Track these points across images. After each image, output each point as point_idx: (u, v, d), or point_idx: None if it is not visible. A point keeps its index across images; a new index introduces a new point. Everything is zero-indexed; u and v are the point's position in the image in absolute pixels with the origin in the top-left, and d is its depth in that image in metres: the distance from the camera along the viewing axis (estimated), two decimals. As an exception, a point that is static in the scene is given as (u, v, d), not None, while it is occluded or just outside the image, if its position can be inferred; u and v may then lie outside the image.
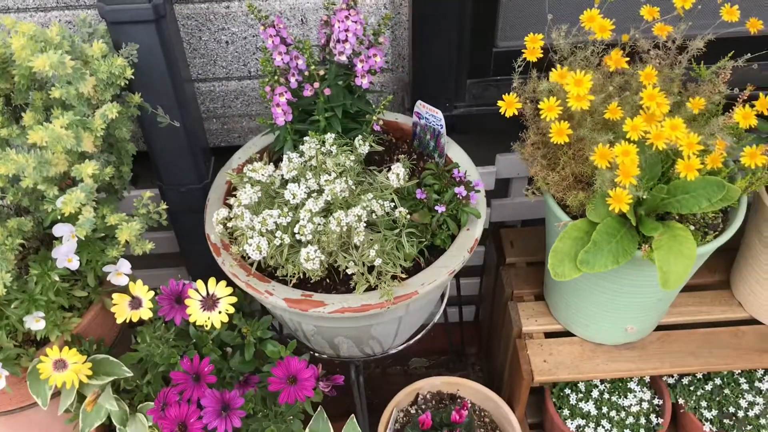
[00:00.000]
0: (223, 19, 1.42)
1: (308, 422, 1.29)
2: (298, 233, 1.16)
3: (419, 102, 1.38)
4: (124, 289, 1.27)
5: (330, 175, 1.21)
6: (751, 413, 1.60)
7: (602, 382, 1.66)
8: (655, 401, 1.65)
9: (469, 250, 1.25)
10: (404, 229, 1.23)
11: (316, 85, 1.27)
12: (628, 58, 1.20)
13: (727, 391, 1.63)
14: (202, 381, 1.19)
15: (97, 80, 1.12)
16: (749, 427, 1.60)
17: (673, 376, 1.68)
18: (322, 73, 1.27)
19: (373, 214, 1.21)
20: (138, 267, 1.32)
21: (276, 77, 1.25)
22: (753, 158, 1.12)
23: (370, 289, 1.20)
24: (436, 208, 1.25)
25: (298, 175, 1.25)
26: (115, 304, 1.24)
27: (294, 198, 1.19)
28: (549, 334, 1.60)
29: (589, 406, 1.62)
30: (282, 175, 1.26)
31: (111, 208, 1.22)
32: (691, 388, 1.66)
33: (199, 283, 1.23)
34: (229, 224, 1.23)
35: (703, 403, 1.64)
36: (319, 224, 1.17)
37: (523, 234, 1.80)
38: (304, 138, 1.29)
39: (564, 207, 1.32)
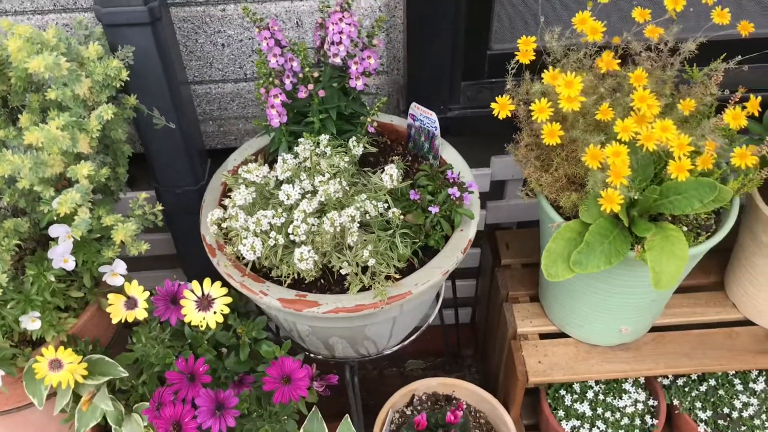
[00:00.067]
0: (219, 22, 1.43)
1: (303, 422, 1.30)
2: (292, 234, 1.17)
3: (414, 104, 1.39)
4: (120, 290, 1.28)
5: (324, 176, 1.22)
6: (745, 414, 1.61)
7: (597, 383, 1.66)
8: (650, 402, 1.66)
9: (462, 251, 1.26)
10: (398, 230, 1.24)
11: (311, 86, 1.28)
12: (619, 60, 1.21)
13: (721, 392, 1.64)
14: (196, 381, 1.20)
15: (92, 82, 1.13)
16: (743, 428, 1.60)
17: (668, 377, 1.69)
18: (316, 75, 1.28)
19: (367, 215, 1.21)
20: (135, 269, 1.33)
21: (271, 79, 1.26)
22: (743, 159, 1.13)
23: (364, 289, 1.21)
24: (430, 209, 1.25)
25: (293, 176, 1.26)
26: (110, 305, 1.25)
27: (288, 199, 1.20)
28: (544, 336, 1.61)
29: (584, 407, 1.63)
30: (276, 177, 1.27)
31: (107, 209, 1.22)
32: (686, 389, 1.67)
33: (195, 284, 1.24)
34: (224, 225, 1.23)
35: (698, 404, 1.64)
36: (313, 225, 1.18)
37: (519, 236, 1.80)
38: (299, 139, 1.30)
39: (557, 208, 1.33)
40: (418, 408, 1.63)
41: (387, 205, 1.25)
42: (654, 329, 1.60)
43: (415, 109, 1.39)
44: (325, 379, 1.24)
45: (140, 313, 1.24)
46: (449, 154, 1.43)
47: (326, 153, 1.27)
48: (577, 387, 1.66)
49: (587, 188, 1.21)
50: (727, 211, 1.33)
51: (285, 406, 1.23)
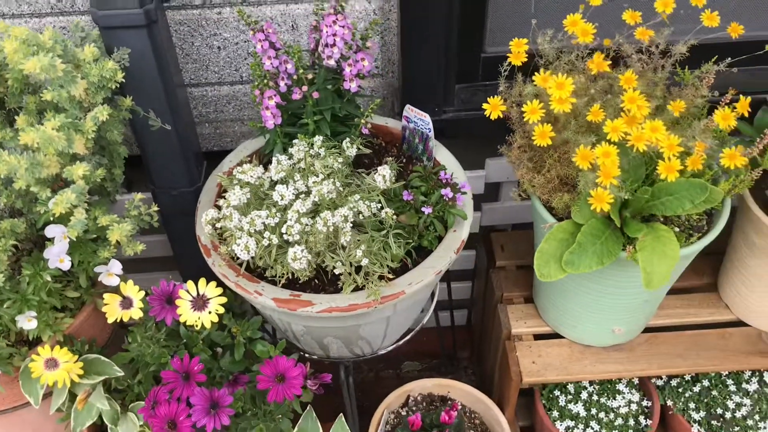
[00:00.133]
0: (215, 25, 1.44)
1: (298, 422, 1.31)
2: (286, 233, 1.18)
3: (408, 106, 1.40)
4: (116, 290, 1.29)
5: (318, 176, 1.23)
6: (738, 414, 1.61)
7: (591, 383, 1.67)
8: (644, 403, 1.66)
9: (455, 251, 1.27)
10: (391, 231, 1.25)
11: (305, 88, 1.29)
12: (610, 62, 1.22)
13: (714, 392, 1.65)
14: (191, 380, 1.21)
15: (88, 83, 1.14)
16: (737, 428, 1.61)
17: (661, 378, 1.70)
18: (310, 76, 1.29)
19: (360, 215, 1.22)
20: (131, 271, 1.34)
21: (265, 81, 1.28)
22: (732, 159, 1.14)
23: (357, 289, 1.22)
24: (423, 209, 1.26)
25: (287, 176, 1.27)
26: (106, 304, 1.26)
27: (282, 199, 1.21)
28: (538, 336, 1.62)
29: (578, 408, 1.64)
30: (271, 177, 1.28)
31: (103, 210, 1.23)
32: (680, 390, 1.68)
33: (190, 284, 1.25)
34: (218, 225, 1.24)
35: (692, 405, 1.65)
36: (306, 225, 1.19)
37: (513, 237, 1.82)
38: (294, 141, 1.31)
39: (550, 209, 1.34)
40: (413, 409, 1.64)
41: (380, 205, 1.26)
42: (648, 330, 1.61)
43: (409, 111, 1.40)
44: (318, 378, 1.25)
45: (135, 313, 1.25)
46: (443, 155, 1.44)
47: (320, 154, 1.29)
48: (571, 388, 1.67)
49: (579, 188, 1.22)
50: (718, 212, 1.34)
51: (279, 405, 1.24)
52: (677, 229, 1.31)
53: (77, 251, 1.26)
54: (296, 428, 1.30)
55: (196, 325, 1.24)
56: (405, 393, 1.65)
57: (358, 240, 1.22)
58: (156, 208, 1.29)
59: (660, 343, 1.59)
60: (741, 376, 1.66)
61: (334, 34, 1.25)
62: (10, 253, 1.19)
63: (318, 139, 1.30)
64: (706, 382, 1.66)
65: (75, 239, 1.18)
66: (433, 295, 1.58)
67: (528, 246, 1.71)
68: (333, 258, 1.21)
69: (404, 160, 1.45)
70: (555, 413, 1.65)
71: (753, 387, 1.63)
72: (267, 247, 1.21)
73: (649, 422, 1.63)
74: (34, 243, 1.33)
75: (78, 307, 1.36)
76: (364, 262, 1.19)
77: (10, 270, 1.26)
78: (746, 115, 1.20)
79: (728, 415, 1.62)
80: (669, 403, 1.67)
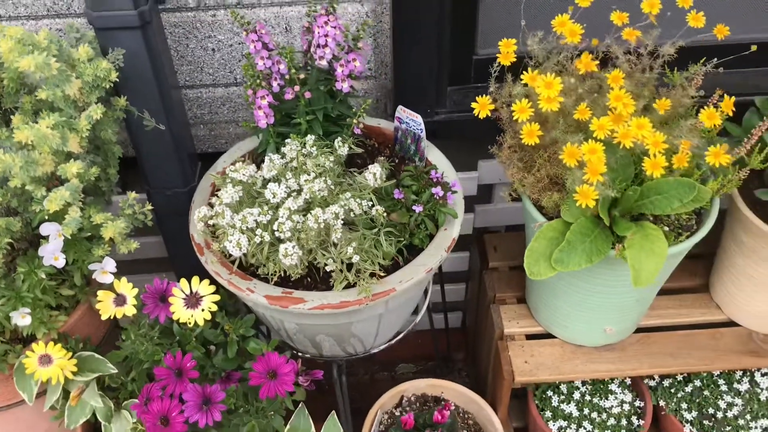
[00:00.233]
0: (210, 27, 1.46)
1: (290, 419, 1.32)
2: (278, 230, 1.19)
3: (400, 107, 1.41)
4: (110, 288, 1.30)
5: (309, 175, 1.25)
6: (729, 414, 1.62)
7: (584, 383, 1.68)
8: (637, 403, 1.67)
9: (446, 249, 1.28)
10: (383, 228, 1.26)
11: (297, 88, 1.31)
12: (598, 62, 1.24)
13: (706, 392, 1.66)
14: (184, 376, 1.22)
15: (82, 83, 1.16)
16: (728, 428, 1.62)
17: (654, 379, 1.71)
18: (302, 76, 1.30)
19: (352, 213, 1.24)
20: (127, 272, 1.35)
21: (258, 81, 1.29)
22: (717, 157, 1.16)
23: (349, 286, 1.23)
24: (414, 208, 1.28)
25: (279, 175, 1.28)
26: (99, 301, 1.27)
27: (274, 197, 1.23)
28: (530, 336, 1.63)
29: (571, 408, 1.65)
30: (263, 176, 1.29)
31: (98, 209, 1.25)
32: (672, 390, 1.68)
33: (183, 282, 1.26)
34: (210, 222, 1.26)
35: (684, 405, 1.66)
36: (298, 222, 1.20)
37: (506, 239, 1.83)
38: (286, 140, 1.32)
39: (540, 208, 1.35)
40: (407, 409, 1.65)
41: (371, 203, 1.27)
42: (639, 330, 1.62)
43: (401, 112, 1.42)
44: (310, 374, 1.26)
45: (129, 310, 1.26)
46: (435, 156, 1.45)
47: (312, 153, 1.30)
48: (564, 388, 1.68)
49: (567, 186, 1.24)
50: (707, 212, 1.35)
51: (272, 401, 1.25)
52: (667, 229, 1.33)
53: (72, 249, 1.27)
54: (288, 425, 1.31)
55: (189, 323, 1.25)
56: (399, 393, 1.66)
57: (349, 237, 1.23)
58: (150, 207, 1.31)
59: (652, 343, 1.60)
60: (732, 376, 1.67)
61: (326, 35, 1.26)
62: (5, 251, 1.20)
63: (310, 139, 1.31)
64: (698, 383, 1.67)
65: (70, 237, 1.19)
66: (426, 292, 1.59)
67: (521, 247, 1.71)
68: (324, 255, 1.22)
69: (397, 161, 1.47)
70: (548, 413, 1.66)
71: (744, 387, 1.64)
72: (259, 245, 1.23)
73: (641, 422, 1.64)
74: (29, 243, 1.34)
75: (73, 305, 1.37)
76: (355, 259, 1.20)
77: (5, 268, 1.27)
78: (731, 114, 1.22)
79: (720, 414, 1.63)
80: (662, 403, 1.68)
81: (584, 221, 1.26)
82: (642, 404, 1.67)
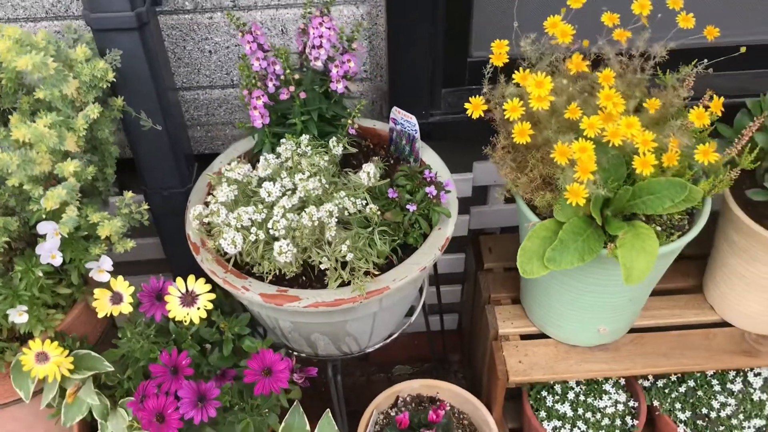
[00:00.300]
0: (207, 30, 1.47)
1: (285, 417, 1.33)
2: (272, 228, 1.20)
3: (395, 108, 1.43)
4: (107, 286, 1.31)
5: (304, 174, 1.26)
6: (723, 414, 1.63)
7: (578, 384, 1.69)
8: (631, 403, 1.68)
9: (440, 248, 1.29)
10: (377, 227, 1.28)
11: (292, 88, 1.32)
12: (589, 63, 1.26)
13: (700, 392, 1.67)
14: (179, 373, 1.23)
15: (80, 82, 1.17)
16: (721, 428, 1.63)
17: (648, 379, 1.72)
18: (297, 77, 1.32)
19: (346, 212, 1.25)
20: (125, 273, 1.36)
21: (253, 81, 1.31)
22: (705, 155, 1.17)
23: (343, 285, 1.25)
24: (408, 207, 1.29)
25: (273, 174, 1.30)
26: (96, 299, 1.28)
27: (269, 196, 1.24)
28: (525, 337, 1.64)
29: (566, 408, 1.66)
30: (258, 175, 1.31)
31: (94, 209, 1.26)
32: (666, 391, 1.69)
33: (179, 280, 1.27)
34: (206, 220, 1.27)
35: (678, 405, 1.67)
36: (292, 220, 1.21)
37: (501, 240, 1.84)
38: (281, 140, 1.34)
39: (533, 208, 1.37)
40: (402, 409, 1.66)
41: (365, 202, 1.29)
42: (633, 330, 1.63)
43: (396, 113, 1.43)
44: (305, 371, 1.27)
45: (125, 308, 1.27)
46: (429, 156, 1.47)
47: (307, 153, 1.32)
48: (558, 388, 1.69)
49: (559, 185, 1.25)
50: (699, 212, 1.37)
51: (266, 398, 1.26)
52: (659, 229, 1.34)
53: (69, 248, 1.28)
54: (283, 423, 1.32)
55: (185, 321, 1.26)
56: (394, 394, 1.67)
57: (344, 236, 1.24)
58: (146, 207, 1.32)
59: (645, 343, 1.61)
60: (725, 376, 1.68)
61: (321, 36, 1.28)
62: (2, 250, 1.21)
63: (305, 138, 1.33)
64: (691, 383, 1.68)
65: (67, 236, 1.20)
66: (421, 291, 1.60)
67: (515, 248, 1.71)
68: (319, 253, 1.23)
69: (392, 162, 1.48)
70: (542, 413, 1.67)
71: (737, 387, 1.65)
72: (254, 243, 1.24)
73: (635, 422, 1.65)
74: (27, 242, 1.36)
75: (70, 304, 1.38)
76: (349, 257, 1.21)
77: (2, 267, 1.28)
78: (720, 114, 1.23)
79: (713, 414, 1.64)
80: (656, 403, 1.69)
81: (577, 221, 1.28)
82: (636, 404, 1.68)
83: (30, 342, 1.24)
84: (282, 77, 1.33)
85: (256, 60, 1.30)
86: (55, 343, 1.24)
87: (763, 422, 1.62)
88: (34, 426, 1.45)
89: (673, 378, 1.70)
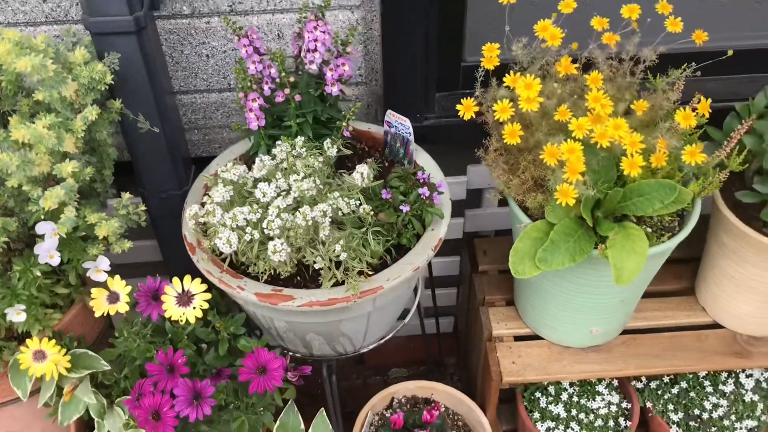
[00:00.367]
0: (204, 34, 1.50)
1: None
2: (267, 228, 1.22)
3: (389, 111, 1.45)
4: (104, 286, 1.33)
5: (299, 174, 1.28)
6: (715, 415, 1.65)
7: (571, 385, 1.71)
8: (624, 405, 1.69)
9: (433, 249, 1.31)
10: (370, 228, 1.29)
11: (287, 91, 1.34)
12: (579, 66, 1.28)
13: (692, 394, 1.68)
14: (175, 372, 1.24)
15: (78, 85, 1.19)
16: (714, 429, 1.64)
17: (641, 381, 1.73)
18: (292, 80, 1.34)
19: (340, 212, 1.27)
20: (122, 276, 1.37)
21: (249, 84, 1.33)
22: (692, 156, 1.19)
23: (338, 284, 1.26)
24: (401, 207, 1.31)
25: (269, 175, 1.32)
26: (93, 299, 1.29)
27: (264, 196, 1.26)
28: (518, 338, 1.65)
29: (559, 409, 1.67)
30: (254, 176, 1.33)
31: (92, 209, 1.28)
32: (659, 392, 1.71)
33: (175, 280, 1.29)
34: (202, 220, 1.29)
35: (670, 406, 1.68)
36: (287, 220, 1.23)
37: (496, 243, 1.86)
38: (277, 142, 1.36)
39: (525, 210, 1.38)
40: (397, 410, 1.67)
41: (359, 202, 1.30)
42: (626, 332, 1.64)
43: (391, 116, 1.45)
44: (299, 369, 1.29)
45: (122, 307, 1.29)
46: (423, 159, 1.49)
47: (302, 154, 1.34)
48: (551, 389, 1.70)
49: (549, 186, 1.27)
50: (689, 214, 1.38)
51: (261, 397, 1.27)
52: (650, 230, 1.36)
53: (67, 248, 1.30)
54: (278, 421, 1.33)
55: (181, 321, 1.27)
56: (389, 395, 1.68)
57: (338, 236, 1.26)
58: (143, 208, 1.34)
59: (637, 345, 1.63)
60: (718, 377, 1.69)
61: (315, 40, 1.30)
62: (1, 250, 1.23)
63: (300, 140, 1.35)
64: (684, 384, 1.70)
65: (65, 236, 1.22)
66: (416, 292, 1.62)
67: (510, 251, 1.75)
68: (313, 253, 1.25)
69: (386, 164, 1.50)
70: (536, 414, 1.68)
71: (729, 388, 1.67)
72: (249, 243, 1.26)
73: (628, 423, 1.66)
74: (26, 243, 1.37)
75: (68, 304, 1.39)
76: (343, 256, 1.23)
77: (1, 267, 1.30)
78: (707, 115, 1.25)
79: (705, 415, 1.65)
80: (648, 404, 1.70)
81: (568, 222, 1.30)
82: (629, 406, 1.69)
83: (28, 341, 1.25)
84: (277, 80, 1.35)
85: (252, 63, 1.33)
86: (53, 341, 1.26)
87: (754, 423, 1.64)
88: (31, 425, 1.46)
89: (666, 379, 1.72)
